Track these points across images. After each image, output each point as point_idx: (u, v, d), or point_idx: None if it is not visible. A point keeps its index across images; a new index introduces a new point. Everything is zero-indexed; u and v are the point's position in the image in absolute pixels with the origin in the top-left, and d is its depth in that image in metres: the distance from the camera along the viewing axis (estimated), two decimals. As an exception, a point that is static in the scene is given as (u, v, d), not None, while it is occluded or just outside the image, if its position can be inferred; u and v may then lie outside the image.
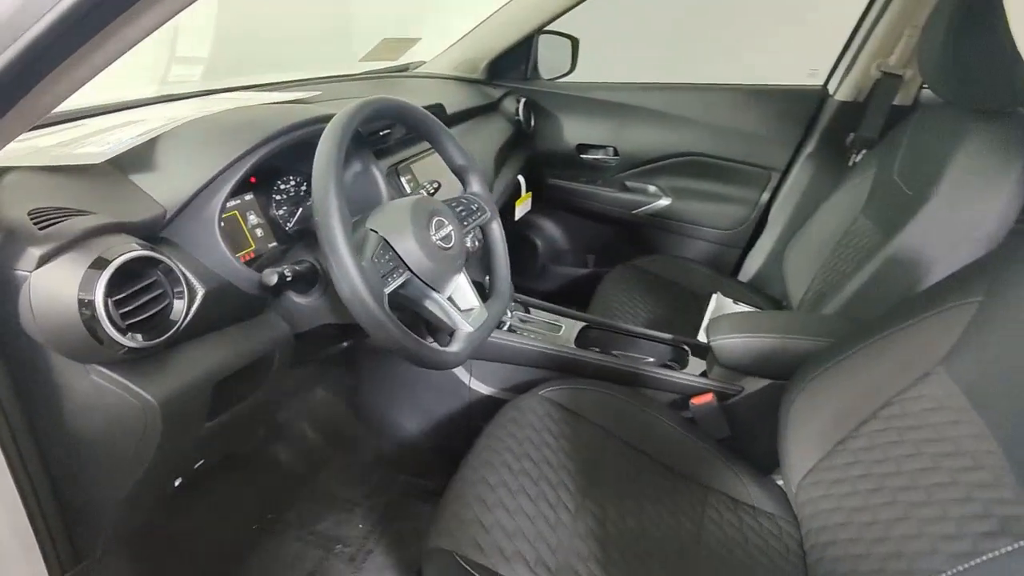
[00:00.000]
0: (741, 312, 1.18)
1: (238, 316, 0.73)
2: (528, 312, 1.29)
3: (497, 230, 0.93)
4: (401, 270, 0.71)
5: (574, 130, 1.82)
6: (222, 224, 0.70)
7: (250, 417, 0.85)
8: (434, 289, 0.76)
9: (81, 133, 0.76)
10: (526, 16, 1.67)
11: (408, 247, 0.72)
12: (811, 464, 0.83)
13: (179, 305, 0.61)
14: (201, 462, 0.83)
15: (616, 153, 1.80)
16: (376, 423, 1.32)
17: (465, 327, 0.79)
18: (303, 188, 0.98)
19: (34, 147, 0.72)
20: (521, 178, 1.70)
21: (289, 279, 0.67)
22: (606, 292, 1.55)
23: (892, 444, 0.74)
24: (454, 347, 0.75)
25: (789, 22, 2.08)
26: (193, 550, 1.05)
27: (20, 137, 0.78)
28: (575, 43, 1.84)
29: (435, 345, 0.72)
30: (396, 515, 1.24)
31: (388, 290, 0.67)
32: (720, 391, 1.05)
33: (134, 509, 0.71)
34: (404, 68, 1.78)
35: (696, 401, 1.03)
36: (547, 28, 1.75)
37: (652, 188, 1.82)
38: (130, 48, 0.51)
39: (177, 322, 0.61)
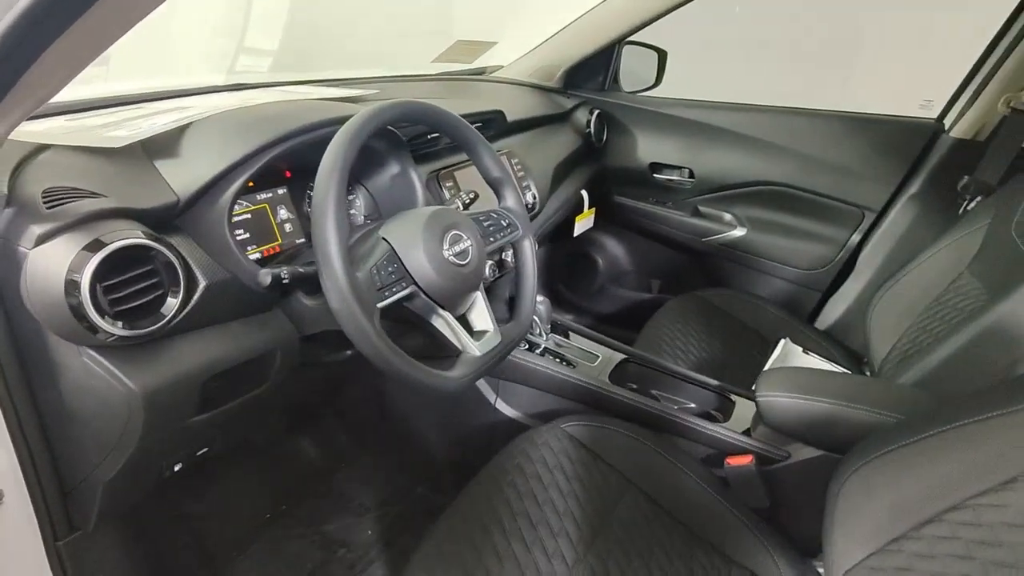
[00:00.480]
0: (797, 368, 1.05)
1: (242, 311, 0.72)
2: (567, 336, 1.23)
3: (528, 250, 0.88)
4: (405, 283, 0.68)
5: (648, 147, 1.73)
6: (233, 218, 0.69)
7: (253, 412, 0.84)
8: (441, 306, 0.72)
9: (125, 116, 0.79)
10: (609, 24, 1.61)
11: (416, 260, 0.68)
12: (858, 558, 0.71)
13: (172, 300, 0.61)
14: (204, 450, 0.83)
15: (691, 175, 1.69)
16: (400, 430, 1.30)
17: (472, 351, 0.74)
18: (340, 186, 0.97)
19: (82, 126, 0.75)
20: (585, 193, 1.64)
21: (286, 281, 0.65)
22: (661, 322, 1.45)
23: (956, 559, 0.61)
24: (455, 371, 0.71)
25: (903, 46, 1.87)
26: (199, 532, 1.07)
27: (72, 116, 0.82)
28: (663, 56, 1.75)
29: (433, 368, 0.67)
30: (405, 528, 1.21)
31: (383, 304, 0.64)
32: (762, 454, 0.94)
33: (124, 489, 0.72)
34: (480, 71, 1.77)
35: (732, 461, 0.92)
36: (632, 39, 1.67)
37: (727, 216, 1.69)
38: (139, 20, 0.49)
39: (167, 316, 0.60)
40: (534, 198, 1.26)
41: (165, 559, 1.00)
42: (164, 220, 0.66)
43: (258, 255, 0.84)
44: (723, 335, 1.43)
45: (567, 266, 1.99)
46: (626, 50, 1.76)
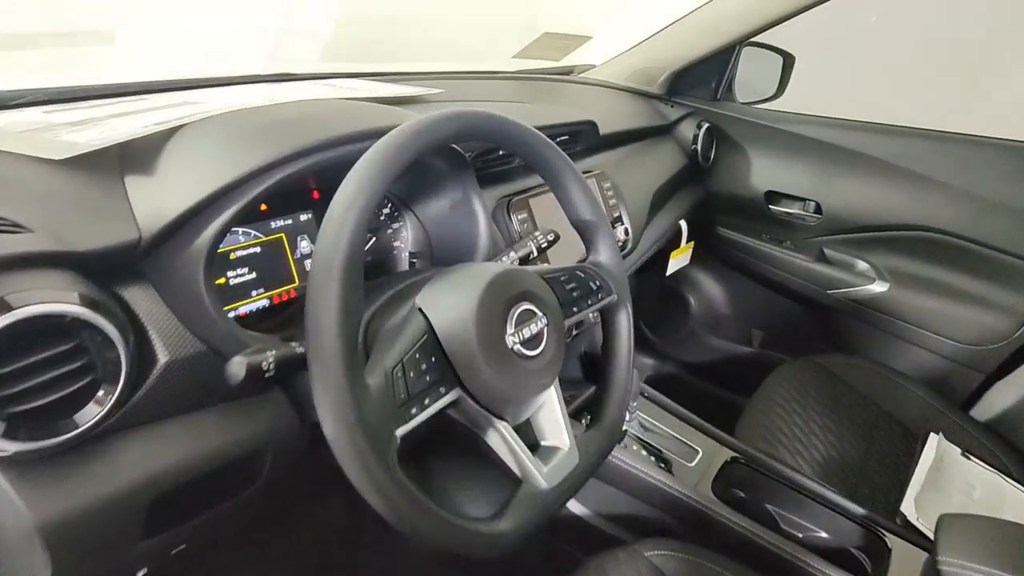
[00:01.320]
0: (1002, 522, 0.76)
1: (220, 395, 0.53)
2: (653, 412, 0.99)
3: (624, 324, 0.65)
4: (445, 387, 0.47)
5: (766, 172, 1.46)
6: (219, 263, 0.50)
7: (246, 509, 0.65)
8: (498, 416, 0.51)
9: (113, 111, 0.62)
10: (729, 22, 1.35)
11: (465, 351, 0.47)
12: None
13: (95, 406, 0.43)
14: (182, 547, 0.66)
15: (818, 210, 1.40)
16: (437, 499, 1.09)
17: (536, 480, 0.52)
18: (383, 210, 0.78)
19: (49, 122, 0.59)
20: (683, 224, 1.39)
21: (270, 374, 0.45)
22: (772, 396, 1.19)
23: None
24: (507, 521, 0.49)
25: None
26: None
27: (51, 107, 0.67)
28: (789, 61, 1.48)
29: (469, 523, 0.46)
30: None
31: (405, 429, 0.43)
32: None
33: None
34: (568, 71, 1.55)
35: (897, 652, 0.66)
36: (755, 40, 1.41)
37: (862, 265, 1.39)
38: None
39: (80, 427, 0.42)
40: (627, 234, 1.03)
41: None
42: (120, 263, 0.48)
43: (265, 301, 0.66)
44: (854, 421, 1.15)
45: (652, 303, 1.73)
46: (745, 53, 1.51)
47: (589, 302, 0.62)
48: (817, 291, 1.44)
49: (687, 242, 1.42)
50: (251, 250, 0.65)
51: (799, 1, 1.21)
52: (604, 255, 0.65)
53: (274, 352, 0.45)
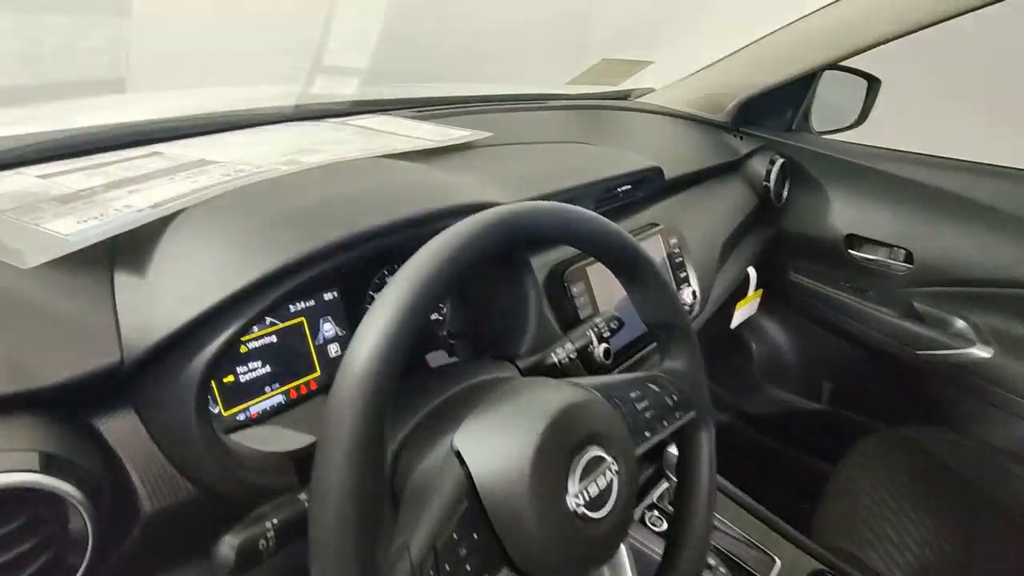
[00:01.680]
0: None
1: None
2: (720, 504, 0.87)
3: (706, 447, 0.54)
4: (490, 571, 0.37)
5: (847, 213, 1.32)
6: (206, 396, 0.42)
7: None
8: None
9: (106, 180, 0.55)
10: (813, 45, 1.22)
11: (514, 516, 0.37)
12: None
13: None
14: None
15: (909, 259, 1.26)
16: None
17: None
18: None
19: (37, 197, 0.52)
20: (752, 271, 1.26)
21: (271, 552, 0.36)
22: (855, 477, 1.05)
23: None
24: None
25: None
26: None
27: (47, 166, 0.60)
28: (874, 85, 1.34)
29: None
30: None
31: None
32: None
33: None
34: (625, 95, 1.44)
35: None
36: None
37: (960, 324, 1.24)
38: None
39: None
40: (694, 296, 0.92)
41: None
42: (101, 387, 0.41)
43: (281, 398, 0.57)
44: (953, 512, 1.00)
45: (712, 348, 1.61)
46: (825, 77, 1.38)
47: (664, 423, 0.51)
48: (904, 350, 1.29)
49: (755, 290, 1.30)
50: (266, 340, 0.56)
51: (901, 25, 1.07)
52: (682, 362, 0.55)
53: (275, 522, 0.36)
